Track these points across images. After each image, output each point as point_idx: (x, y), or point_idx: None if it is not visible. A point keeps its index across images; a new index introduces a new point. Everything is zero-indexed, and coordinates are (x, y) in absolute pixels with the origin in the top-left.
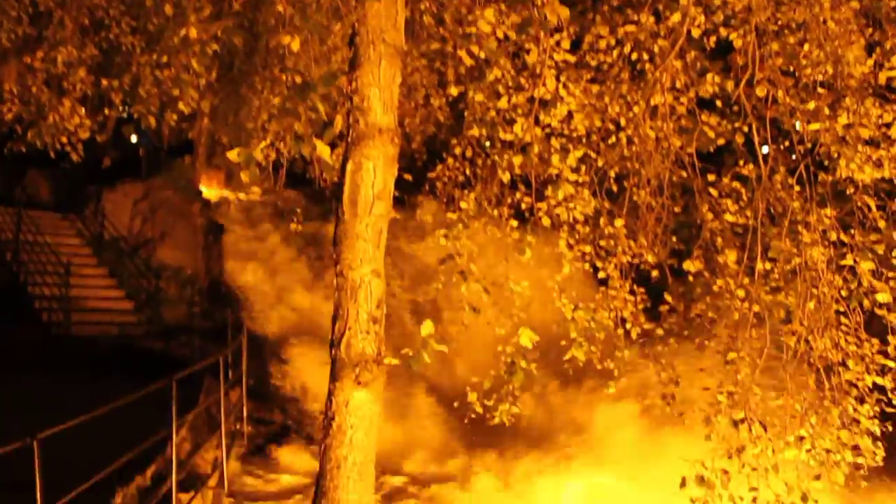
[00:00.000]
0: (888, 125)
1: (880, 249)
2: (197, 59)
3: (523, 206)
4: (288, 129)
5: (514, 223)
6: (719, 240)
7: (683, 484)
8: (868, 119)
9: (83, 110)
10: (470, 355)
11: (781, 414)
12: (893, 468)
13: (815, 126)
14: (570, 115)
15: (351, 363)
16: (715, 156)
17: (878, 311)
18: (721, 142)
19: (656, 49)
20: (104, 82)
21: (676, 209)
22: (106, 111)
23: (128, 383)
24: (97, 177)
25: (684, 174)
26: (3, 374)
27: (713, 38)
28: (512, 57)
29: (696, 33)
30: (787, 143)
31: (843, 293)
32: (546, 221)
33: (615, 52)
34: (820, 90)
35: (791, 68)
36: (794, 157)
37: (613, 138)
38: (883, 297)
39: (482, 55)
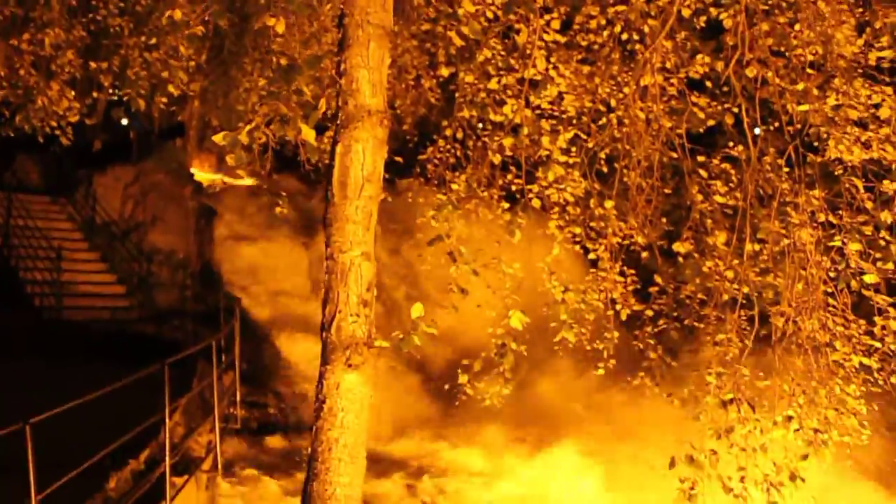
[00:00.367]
0: (877, 106)
1: (868, 230)
2: (185, 42)
3: (514, 187)
4: (274, 111)
5: (505, 205)
6: (709, 221)
7: (673, 464)
8: (857, 100)
9: (72, 93)
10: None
11: (769, 394)
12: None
13: (804, 107)
14: (560, 96)
15: (341, 346)
16: (705, 137)
17: (866, 293)
18: (711, 123)
19: (646, 29)
20: (92, 65)
21: (667, 191)
22: (95, 94)
23: (120, 367)
24: (88, 161)
25: (674, 155)
26: None
27: (703, 19)
28: (502, 37)
29: (686, 13)
30: (776, 125)
31: (831, 274)
32: (536, 203)
33: (605, 33)
34: (809, 71)
35: (781, 49)
36: (784, 138)
37: (604, 119)
38: (870, 279)
39: (472, 35)
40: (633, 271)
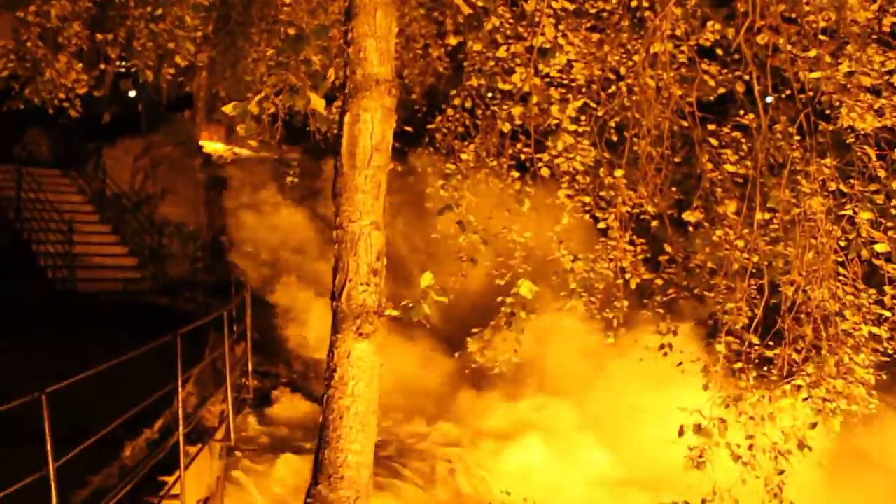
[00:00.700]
0: (891, 73)
1: (880, 199)
2: (191, 12)
3: (523, 156)
4: (283, 81)
5: (515, 174)
6: (719, 190)
7: (682, 433)
8: (870, 66)
9: (79, 65)
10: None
11: (779, 363)
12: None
13: (816, 74)
14: (569, 64)
15: (352, 315)
16: (716, 105)
17: (876, 262)
18: (722, 91)
19: None
20: (99, 36)
21: (677, 159)
22: (102, 66)
23: (134, 339)
24: (97, 133)
25: (685, 124)
26: (11, 330)
27: None
28: (510, 5)
29: None
30: (788, 93)
31: (842, 243)
32: (546, 172)
33: (615, 0)
34: (822, 37)
35: (793, 15)
36: (795, 106)
37: (613, 87)
38: (881, 248)
39: (480, 3)
40: (642, 240)
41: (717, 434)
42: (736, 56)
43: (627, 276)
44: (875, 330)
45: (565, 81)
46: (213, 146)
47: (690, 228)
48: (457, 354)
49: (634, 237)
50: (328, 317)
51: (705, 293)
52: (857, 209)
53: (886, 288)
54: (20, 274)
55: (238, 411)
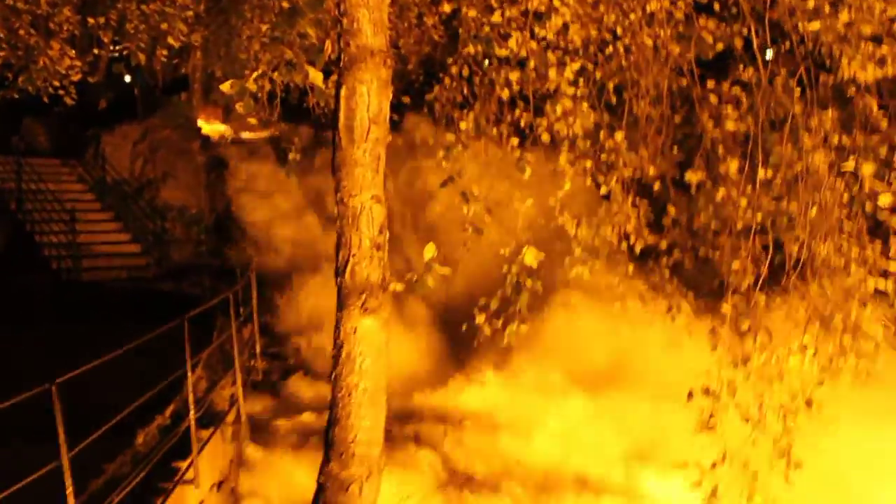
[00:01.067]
0: (893, 20)
1: (883, 151)
2: None
3: (522, 122)
4: (279, 57)
5: (515, 141)
6: (720, 148)
7: (691, 396)
8: (871, 14)
9: (73, 51)
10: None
11: (785, 321)
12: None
13: (815, 24)
14: (565, 26)
15: (356, 290)
16: (715, 63)
17: (880, 216)
18: (720, 47)
19: None
20: (91, 20)
21: (677, 119)
22: (95, 51)
23: (141, 325)
24: (94, 121)
25: (684, 82)
26: (18, 322)
27: None
28: None
29: None
30: (787, 45)
31: (845, 198)
32: (546, 138)
33: None
34: None
35: None
36: (795, 59)
37: (610, 48)
38: (885, 200)
39: None
40: (645, 202)
41: (725, 395)
42: (734, 10)
43: (632, 240)
44: (881, 284)
45: (562, 44)
46: (211, 127)
47: (693, 189)
48: (464, 327)
49: (637, 200)
50: (334, 294)
51: (710, 253)
52: (860, 161)
53: (892, 241)
54: (24, 266)
55: (248, 393)
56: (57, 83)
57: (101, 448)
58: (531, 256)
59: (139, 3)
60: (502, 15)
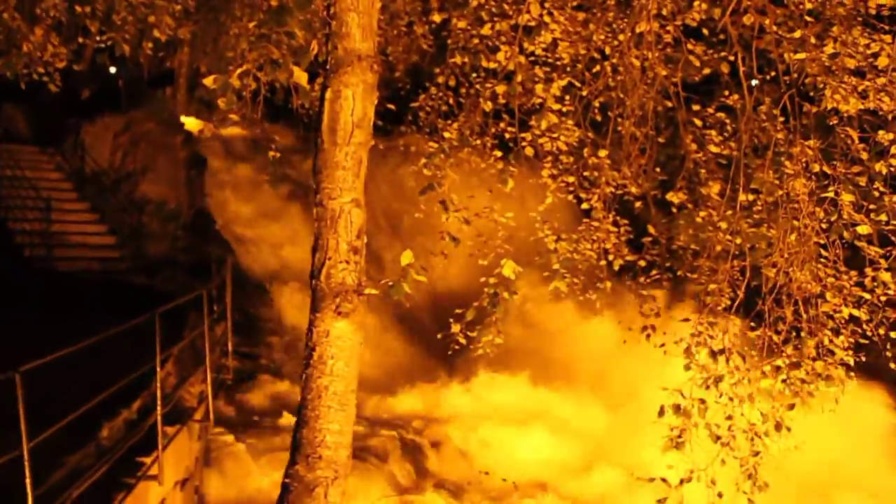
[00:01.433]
0: (875, 55)
1: (862, 181)
2: None
3: (506, 136)
4: (265, 55)
5: (498, 153)
6: (703, 171)
7: (662, 413)
8: (855, 48)
9: (57, 39)
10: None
11: (759, 344)
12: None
13: (801, 55)
14: (554, 42)
15: (331, 293)
16: (701, 86)
17: (858, 244)
18: (707, 72)
19: None
20: (78, 9)
21: (661, 140)
22: (81, 39)
23: (112, 318)
24: (76, 110)
25: (669, 104)
26: None
27: None
28: None
29: None
30: (772, 74)
31: (824, 225)
32: (529, 152)
33: None
34: (807, 18)
35: None
36: (780, 87)
37: (598, 67)
38: (863, 230)
39: None
40: (626, 221)
41: (696, 414)
42: (722, 36)
43: (610, 257)
44: (855, 312)
45: (550, 60)
46: (193, 123)
47: (674, 210)
48: (439, 336)
49: (618, 218)
50: (309, 296)
51: (688, 274)
52: (839, 191)
53: (867, 270)
54: None
55: (217, 392)
56: (41, 70)
57: (65, 440)
58: (509, 269)
59: None
60: (492, 28)
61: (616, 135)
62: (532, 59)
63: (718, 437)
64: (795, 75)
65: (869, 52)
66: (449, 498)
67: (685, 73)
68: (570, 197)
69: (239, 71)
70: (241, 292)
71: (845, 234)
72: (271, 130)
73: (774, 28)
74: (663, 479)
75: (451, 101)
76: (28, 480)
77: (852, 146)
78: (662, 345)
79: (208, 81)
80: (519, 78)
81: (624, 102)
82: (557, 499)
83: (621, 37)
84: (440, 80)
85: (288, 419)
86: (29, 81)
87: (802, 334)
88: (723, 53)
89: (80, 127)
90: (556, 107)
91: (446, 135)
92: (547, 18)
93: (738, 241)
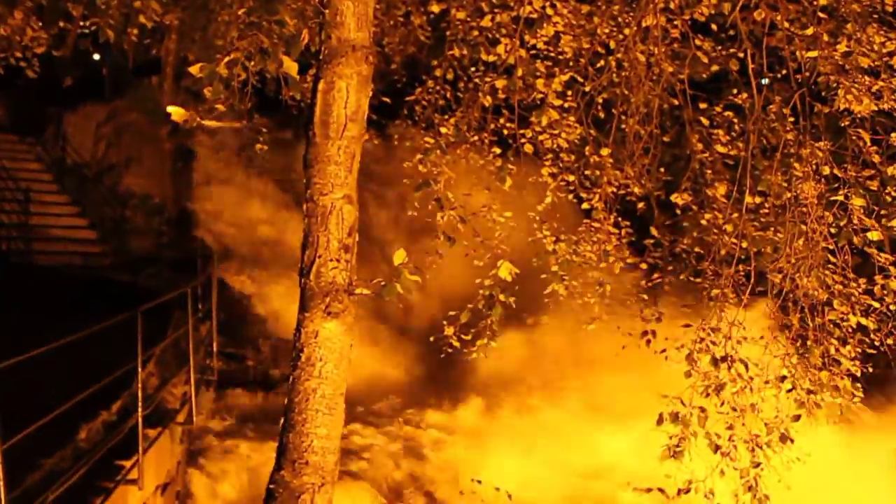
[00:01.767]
0: (891, 54)
1: (874, 185)
2: None
3: (506, 132)
4: (255, 44)
5: (497, 150)
6: (709, 172)
7: (660, 421)
8: (870, 47)
9: (38, 23)
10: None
11: (763, 353)
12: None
13: (813, 53)
14: (557, 36)
15: (321, 293)
16: (708, 84)
17: (868, 250)
18: (715, 69)
19: None
20: None
21: (666, 139)
22: (62, 24)
23: (93, 315)
24: (57, 98)
25: (675, 102)
26: None
27: None
28: None
29: None
30: (783, 72)
31: (833, 230)
32: (529, 149)
33: None
34: (821, 15)
35: None
36: (791, 86)
37: (602, 62)
38: (874, 236)
39: None
40: (628, 222)
41: (695, 423)
42: (731, 32)
43: (611, 259)
44: (863, 321)
45: (552, 54)
46: (179, 113)
47: (678, 211)
48: (431, 339)
49: (619, 219)
50: (297, 295)
51: (691, 278)
52: (849, 195)
53: (877, 277)
54: None
55: (201, 393)
56: (19, 54)
57: (41, 441)
58: (506, 270)
59: None
60: (492, 20)
61: (619, 133)
62: (533, 52)
63: (719, 448)
64: (807, 74)
65: (884, 50)
66: None
67: (692, 69)
68: (571, 196)
69: (227, 59)
70: (228, 291)
71: (855, 239)
72: (261, 123)
73: (786, 24)
74: (661, 490)
75: (448, 95)
76: (1, 483)
77: (864, 149)
78: (663, 350)
79: (195, 70)
80: (519, 72)
81: (628, 99)
82: None
83: (627, 31)
84: (438, 73)
85: (274, 423)
86: (7, 66)
87: (808, 343)
88: (732, 50)
89: (61, 116)
90: (558, 103)
91: (443, 130)
92: (549, 11)
93: (744, 244)
